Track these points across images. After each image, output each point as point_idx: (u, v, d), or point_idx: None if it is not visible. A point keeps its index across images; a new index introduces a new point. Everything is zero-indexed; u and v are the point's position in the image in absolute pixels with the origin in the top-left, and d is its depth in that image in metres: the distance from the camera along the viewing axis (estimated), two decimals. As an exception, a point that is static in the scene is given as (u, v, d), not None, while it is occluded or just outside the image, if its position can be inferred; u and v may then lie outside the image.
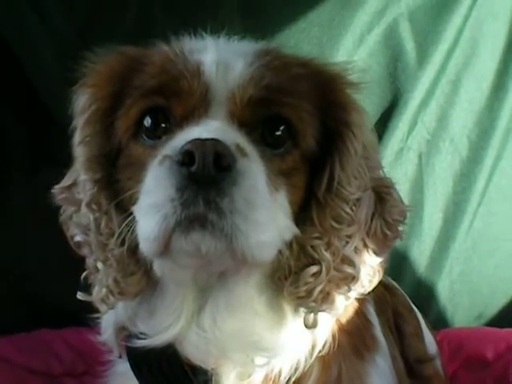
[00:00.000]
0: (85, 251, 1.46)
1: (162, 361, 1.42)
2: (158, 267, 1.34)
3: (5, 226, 2.50)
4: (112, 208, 1.39)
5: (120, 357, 1.52)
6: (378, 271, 1.45)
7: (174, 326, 1.38)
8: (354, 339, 1.51)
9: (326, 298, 1.36)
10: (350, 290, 1.38)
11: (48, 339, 2.43)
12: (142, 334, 1.42)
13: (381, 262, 1.45)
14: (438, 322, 2.59)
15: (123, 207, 1.37)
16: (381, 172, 1.48)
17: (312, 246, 1.36)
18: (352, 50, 2.61)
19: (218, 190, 1.19)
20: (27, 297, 2.48)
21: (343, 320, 1.49)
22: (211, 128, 1.28)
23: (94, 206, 1.40)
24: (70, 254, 1.50)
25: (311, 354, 1.42)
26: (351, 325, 1.51)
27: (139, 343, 1.42)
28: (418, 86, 2.63)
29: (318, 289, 1.35)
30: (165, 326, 1.39)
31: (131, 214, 1.30)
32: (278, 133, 1.34)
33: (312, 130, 1.37)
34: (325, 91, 1.41)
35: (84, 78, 1.44)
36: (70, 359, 2.38)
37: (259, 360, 1.40)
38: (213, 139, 1.21)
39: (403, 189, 2.64)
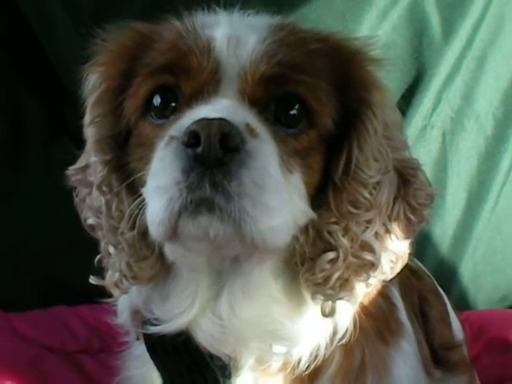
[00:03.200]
0: (98, 234, 1.43)
1: (178, 345, 1.38)
2: (169, 252, 1.30)
3: (20, 202, 2.47)
4: (123, 190, 1.35)
5: (137, 339, 1.48)
6: (401, 257, 1.38)
7: (188, 313, 1.34)
8: (377, 323, 1.46)
9: (343, 286, 1.30)
10: (369, 277, 1.33)
11: (63, 316, 2.41)
12: (155, 319, 1.38)
13: (405, 248, 1.39)
14: (460, 303, 2.53)
15: (134, 189, 1.32)
16: (406, 153, 1.41)
17: (329, 232, 1.30)
18: (375, 24, 2.56)
19: (225, 173, 1.13)
20: (42, 274, 2.47)
21: (367, 303, 1.44)
22: (220, 107, 1.22)
23: (104, 188, 1.37)
24: (85, 231, 1.47)
25: (332, 340, 1.37)
26: (375, 308, 1.45)
27: (153, 329, 1.38)
28: (442, 61, 2.58)
29: (336, 276, 1.29)
30: (178, 312, 1.35)
31: (142, 196, 1.26)
32: (293, 112, 1.27)
33: (329, 109, 1.30)
34: (344, 68, 1.34)
35: (94, 57, 1.39)
36: (86, 336, 2.36)
37: (279, 348, 1.35)
38: (220, 119, 1.15)
39: (426, 167, 2.50)
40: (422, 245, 2.57)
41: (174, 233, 1.18)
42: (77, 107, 1.44)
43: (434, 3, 2.59)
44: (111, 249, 1.38)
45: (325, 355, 1.37)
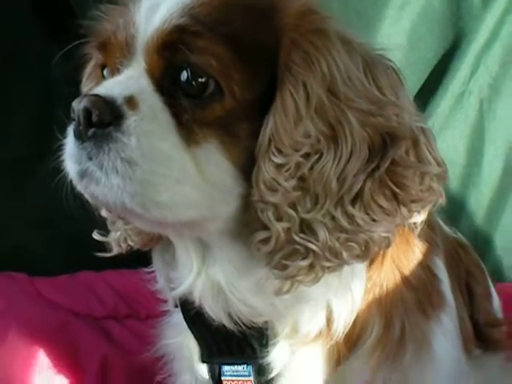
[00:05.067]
0: None
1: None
2: None
3: (46, 166, 2.44)
4: None
5: (176, 306, 1.47)
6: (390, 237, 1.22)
7: (187, 280, 1.35)
8: (418, 295, 1.40)
9: (284, 268, 1.18)
10: (314, 266, 1.18)
11: (90, 281, 2.39)
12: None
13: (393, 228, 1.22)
14: (494, 274, 2.46)
15: None
16: (391, 113, 1.18)
17: (261, 210, 1.18)
18: (413, -15, 2.49)
19: (98, 148, 1.14)
20: (69, 238, 2.44)
21: (407, 274, 1.39)
22: (112, 81, 1.22)
23: None
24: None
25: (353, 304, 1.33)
26: (415, 279, 1.40)
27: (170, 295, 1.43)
28: (481, 26, 2.50)
29: (276, 257, 1.18)
30: (180, 278, 1.38)
31: None
32: (191, 81, 1.16)
33: (240, 77, 1.16)
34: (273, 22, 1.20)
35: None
36: (113, 302, 2.34)
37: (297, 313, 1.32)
38: (92, 95, 1.16)
39: (463, 135, 2.56)
40: (456, 214, 2.54)
41: None
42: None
43: (472, -34, 2.51)
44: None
45: (350, 319, 1.33)
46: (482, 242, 2.59)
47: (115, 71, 1.25)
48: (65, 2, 2.36)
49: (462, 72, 2.52)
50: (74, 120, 1.17)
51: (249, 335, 1.35)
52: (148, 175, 1.13)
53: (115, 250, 1.49)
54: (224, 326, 1.34)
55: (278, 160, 1.15)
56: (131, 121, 1.14)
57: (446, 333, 1.45)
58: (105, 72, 1.31)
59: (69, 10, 2.34)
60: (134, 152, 1.13)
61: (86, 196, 1.22)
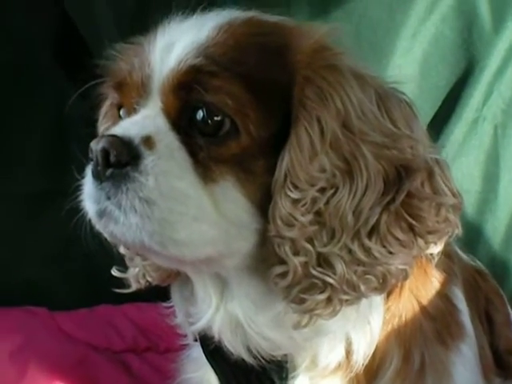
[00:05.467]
0: None
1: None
2: None
3: (65, 201, 2.45)
4: None
5: (195, 340, 1.47)
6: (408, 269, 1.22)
7: (205, 315, 1.35)
8: (437, 325, 1.40)
9: (302, 301, 1.18)
10: (332, 299, 1.18)
11: (109, 315, 2.40)
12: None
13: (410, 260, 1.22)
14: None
15: None
16: (406, 145, 1.19)
17: (278, 245, 1.18)
18: (424, 15, 2.50)
19: (116, 187, 1.15)
20: (87, 273, 2.45)
21: (425, 304, 1.39)
22: (129, 121, 1.23)
23: None
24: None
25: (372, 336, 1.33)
26: (434, 309, 1.40)
27: (190, 329, 1.42)
28: (493, 53, 2.51)
29: (293, 291, 1.18)
30: (198, 314, 1.38)
31: None
32: (207, 120, 1.18)
33: (255, 115, 1.17)
34: (284, 60, 1.21)
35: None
36: (132, 335, 2.34)
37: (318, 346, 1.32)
38: (110, 135, 1.18)
39: (478, 161, 2.55)
40: (472, 241, 2.52)
41: None
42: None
43: (483, -8, 2.53)
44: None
45: (370, 351, 1.33)
46: (501, 269, 2.56)
47: (131, 111, 1.27)
48: (81, 42, 2.40)
49: (475, 99, 2.52)
50: (92, 160, 1.18)
51: (268, 369, 1.35)
52: (166, 214, 1.15)
53: (134, 286, 1.50)
54: (243, 360, 1.34)
55: (294, 195, 1.16)
56: (149, 160, 1.15)
57: (466, 363, 1.44)
58: (121, 112, 1.32)
59: (85, 49, 2.37)
60: (152, 191, 1.14)
61: (105, 234, 1.23)
